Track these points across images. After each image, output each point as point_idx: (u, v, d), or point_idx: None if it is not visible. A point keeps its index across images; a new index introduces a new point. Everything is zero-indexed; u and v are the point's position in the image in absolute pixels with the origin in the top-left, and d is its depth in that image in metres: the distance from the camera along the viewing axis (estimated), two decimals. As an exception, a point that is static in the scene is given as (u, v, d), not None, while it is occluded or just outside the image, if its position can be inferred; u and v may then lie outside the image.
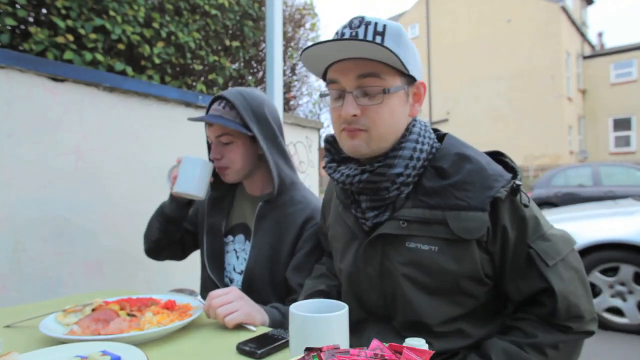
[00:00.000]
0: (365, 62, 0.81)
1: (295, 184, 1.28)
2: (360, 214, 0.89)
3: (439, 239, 0.81)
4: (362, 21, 0.82)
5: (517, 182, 0.80)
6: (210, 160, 1.25)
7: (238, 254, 1.30)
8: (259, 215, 1.23)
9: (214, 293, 0.95)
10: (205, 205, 1.35)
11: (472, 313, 0.85)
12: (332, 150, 0.97)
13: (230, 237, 1.32)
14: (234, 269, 1.29)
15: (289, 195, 1.24)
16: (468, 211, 0.79)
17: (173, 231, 1.33)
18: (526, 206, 0.81)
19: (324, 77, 0.92)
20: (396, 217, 0.84)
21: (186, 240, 1.41)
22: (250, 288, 1.18)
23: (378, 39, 0.80)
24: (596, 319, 0.82)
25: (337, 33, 0.86)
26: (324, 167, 0.96)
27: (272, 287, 1.21)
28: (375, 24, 0.82)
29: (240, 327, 0.93)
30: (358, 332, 0.93)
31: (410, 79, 0.86)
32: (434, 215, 0.81)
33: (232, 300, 0.94)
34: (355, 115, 0.82)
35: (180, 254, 1.43)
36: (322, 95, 0.91)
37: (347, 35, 0.83)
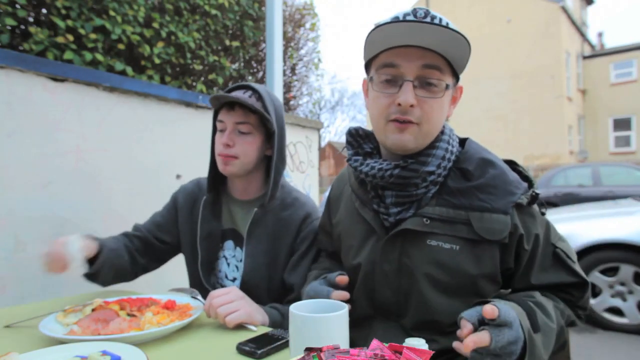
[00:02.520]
0: (431, 53, 0.79)
1: (284, 186, 1.26)
2: (383, 209, 0.89)
3: (461, 238, 0.83)
4: (427, 13, 0.80)
5: (537, 191, 0.84)
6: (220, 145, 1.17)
7: (229, 260, 1.26)
8: (253, 221, 1.19)
9: (215, 293, 0.94)
10: (196, 210, 1.27)
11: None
12: (354, 144, 0.96)
13: (220, 244, 1.28)
14: (226, 276, 1.26)
15: (279, 199, 1.22)
16: (492, 213, 0.81)
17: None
18: (543, 213, 0.88)
19: (369, 61, 0.88)
20: (420, 214, 0.85)
21: (159, 252, 1.32)
22: (246, 294, 1.17)
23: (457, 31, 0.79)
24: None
25: (396, 17, 0.81)
26: (348, 161, 0.94)
27: (268, 292, 1.20)
28: (440, 18, 0.80)
29: (240, 327, 0.93)
30: (364, 329, 0.94)
31: (456, 81, 0.88)
32: (458, 214, 0.83)
33: (233, 300, 0.94)
34: (412, 106, 0.80)
35: (135, 271, 1.29)
36: (370, 80, 0.88)
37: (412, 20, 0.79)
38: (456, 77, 0.87)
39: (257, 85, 1.19)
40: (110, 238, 1.25)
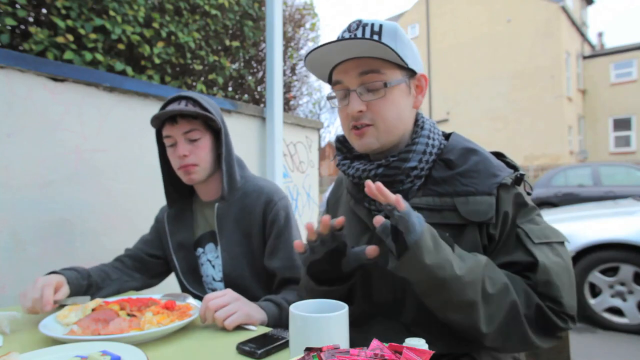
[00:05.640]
0: (365, 60, 0.86)
1: (245, 177, 1.30)
2: (374, 206, 0.92)
3: (449, 225, 0.84)
4: (359, 24, 0.88)
5: (521, 172, 0.86)
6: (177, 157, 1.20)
7: (213, 263, 1.29)
8: (218, 216, 1.23)
9: (210, 296, 0.94)
10: (165, 225, 1.33)
11: None
12: (343, 149, 1.02)
13: (199, 250, 1.32)
14: (214, 279, 1.29)
15: (242, 190, 1.26)
16: (476, 196, 0.83)
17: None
18: (529, 193, 0.88)
19: (329, 81, 0.96)
20: None
21: (153, 267, 1.35)
22: (235, 290, 1.18)
23: (375, 37, 0.85)
24: (574, 320, 0.79)
25: (337, 38, 0.90)
26: (337, 165, 0.99)
27: (256, 281, 1.22)
28: (372, 24, 0.87)
29: (240, 327, 0.93)
30: (365, 329, 0.94)
31: (411, 72, 0.90)
32: (444, 202, 0.85)
33: (229, 302, 0.93)
34: (360, 111, 0.87)
35: (135, 287, 1.31)
36: (329, 98, 0.94)
37: (346, 38, 0.86)
38: (408, 69, 0.89)
39: (187, 93, 1.23)
40: (98, 265, 1.27)
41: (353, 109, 0.87)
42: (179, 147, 1.19)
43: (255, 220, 1.22)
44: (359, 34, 0.87)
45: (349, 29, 0.89)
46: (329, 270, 0.87)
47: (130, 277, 1.29)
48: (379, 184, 0.71)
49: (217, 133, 1.25)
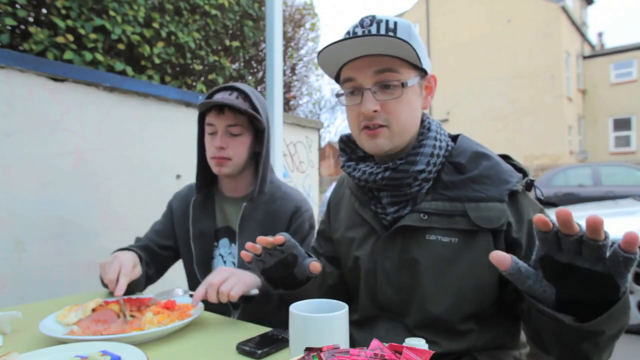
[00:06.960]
0: (381, 58, 0.83)
1: (273, 181, 1.29)
2: (380, 209, 0.90)
3: (459, 230, 0.82)
4: (373, 19, 0.84)
5: (531, 178, 0.84)
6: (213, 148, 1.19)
7: (225, 258, 1.28)
8: (243, 216, 1.22)
9: (209, 277, 0.96)
10: (189, 211, 1.29)
11: (482, 311, 0.85)
12: (347, 150, 0.99)
13: (214, 243, 1.30)
14: None
15: (269, 193, 1.25)
16: (487, 202, 0.82)
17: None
18: (540, 199, 0.86)
19: (336, 78, 0.93)
20: (417, 210, 0.86)
21: (161, 260, 1.31)
22: None
23: (391, 34, 0.81)
24: None
25: (348, 32, 0.87)
26: (342, 167, 0.97)
27: None
28: (387, 21, 0.84)
29: (241, 326, 0.93)
30: (368, 329, 0.94)
31: (422, 72, 0.88)
32: (454, 207, 0.83)
33: (229, 277, 0.96)
34: (375, 111, 0.84)
35: (145, 284, 1.26)
36: (338, 96, 0.91)
37: (359, 34, 0.84)
38: (421, 69, 0.87)
39: (240, 85, 1.21)
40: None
41: (368, 109, 0.83)
42: (218, 137, 1.18)
43: (280, 226, 1.22)
44: (374, 30, 0.83)
45: (361, 24, 0.85)
46: (283, 277, 0.92)
47: (145, 274, 1.23)
48: (598, 218, 0.52)
49: (258, 131, 1.24)
